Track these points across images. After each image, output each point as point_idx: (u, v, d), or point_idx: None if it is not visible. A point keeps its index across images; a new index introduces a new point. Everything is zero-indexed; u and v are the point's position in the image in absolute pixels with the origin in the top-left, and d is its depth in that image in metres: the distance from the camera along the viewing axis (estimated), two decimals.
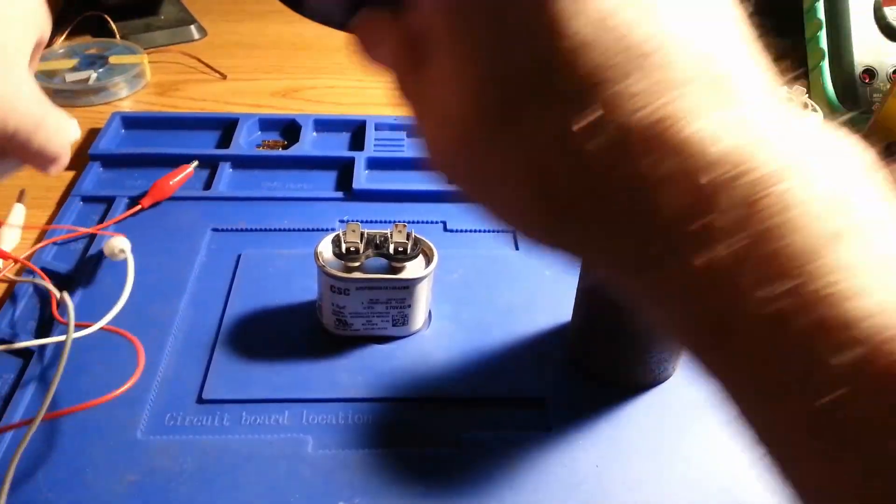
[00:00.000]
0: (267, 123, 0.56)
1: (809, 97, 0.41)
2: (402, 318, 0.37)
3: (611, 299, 0.34)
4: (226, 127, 0.55)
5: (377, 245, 0.36)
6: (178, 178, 0.48)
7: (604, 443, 0.34)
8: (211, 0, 0.77)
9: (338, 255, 0.36)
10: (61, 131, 0.28)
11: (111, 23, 0.67)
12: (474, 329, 0.39)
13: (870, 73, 0.56)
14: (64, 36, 0.66)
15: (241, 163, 0.51)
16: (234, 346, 0.37)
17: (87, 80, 0.59)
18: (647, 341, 0.34)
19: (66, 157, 0.28)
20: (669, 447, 0.33)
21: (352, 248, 0.35)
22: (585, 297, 0.36)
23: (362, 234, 0.36)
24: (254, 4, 0.78)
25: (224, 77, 0.64)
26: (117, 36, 0.67)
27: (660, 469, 0.33)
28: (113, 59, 0.62)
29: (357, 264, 0.36)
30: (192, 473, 0.31)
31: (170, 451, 0.32)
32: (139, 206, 0.46)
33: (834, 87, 0.56)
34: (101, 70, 0.61)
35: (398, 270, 0.36)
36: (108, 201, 0.47)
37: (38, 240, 0.44)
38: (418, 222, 0.46)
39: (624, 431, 0.34)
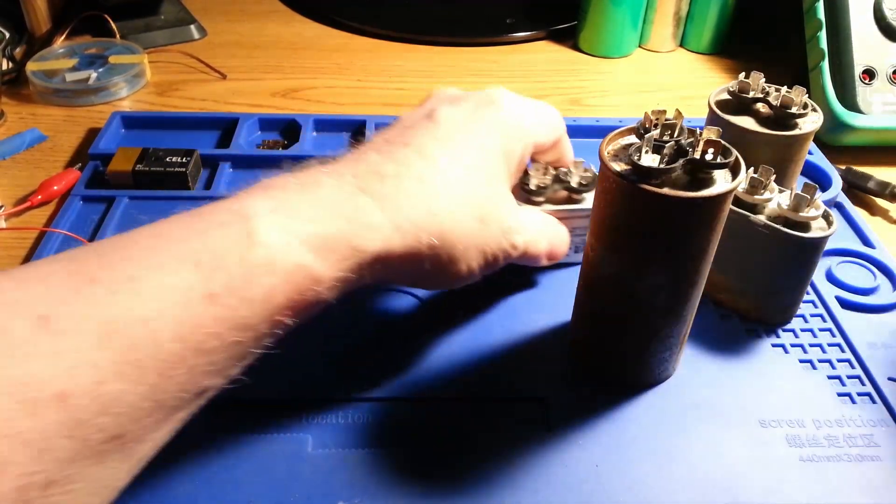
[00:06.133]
0: (267, 123, 0.56)
1: (809, 97, 0.41)
2: (583, 245, 0.40)
3: (611, 299, 0.34)
4: (226, 127, 0.55)
5: (560, 180, 0.40)
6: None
7: (604, 443, 0.34)
8: (211, 0, 0.77)
9: (526, 190, 0.39)
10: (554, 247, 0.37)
11: (111, 22, 0.67)
12: (474, 329, 0.39)
13: (870, 73, 0.56)
14: (64, 36, 0.66)
15: (241, 162, 0.51)
16: None
17: (87, 79, 0.59)
18: (647, 341, 0.34)
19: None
20: (669, 447, 0.33)
21: (541, 185, 0.40)
22: (585, 297, 0.36)
23: (546, 172, 0.40)
24: (254, 4, 0.78)
25: (224, 77, 0.64)
26: (117, 36, 0.67)
27: (660, 469, 0.33)
28: (113, 59, 0.62)
29: (542, 199, 0.40)
30: (192, 473, 0.31)
31: (169, 450, 0.32)
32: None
33: (834, 87, 0.56)
34: (100, 70, 0.61)
35: (579, 201, 0.40)
36: (109, 201, 0.47)
37: (38, 241, 0.44)
38: None
39: (624, 431, 0.34)
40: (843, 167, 0.52)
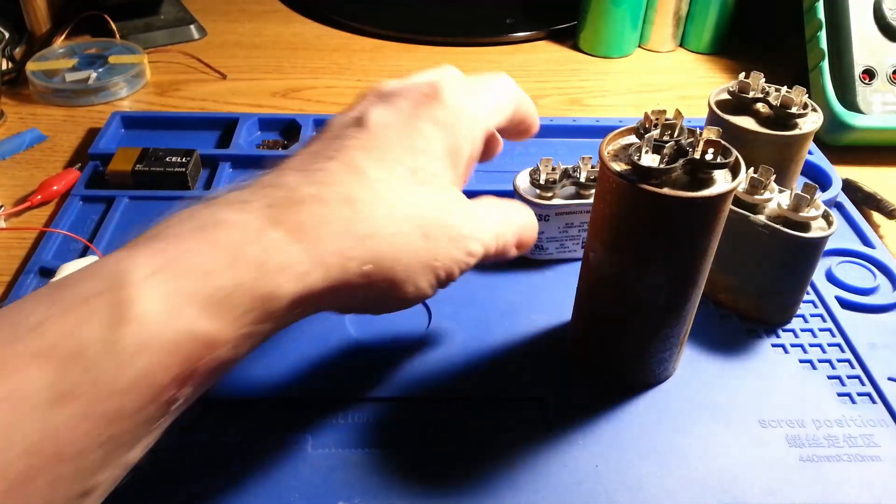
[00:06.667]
0: (267, 123, 0.56)
1: (809, 97, 0.41)
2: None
3: (611, 299, 0.34)
4: (226, 127, 0.55)
5: (569, 175, 0.41)
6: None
7: (604, 443, 0.34)
8: (211, 0, 0.77)
9: (536, 185, 0.41)
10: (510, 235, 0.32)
11: (111, 22, 0.67)
12: (474, 329, 0.39)
13: (870, 73, 0.56)
14: (64, 36, 0.66)
15: (240, 162, 0.51)
16: None
17: (87, 79, 0.59)
18: (647, 341, 0.34)
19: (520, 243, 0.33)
20: (669, 447, 0.33)
21: (550, 180, 0.41)
22: (585, 297, 0.36)
23: (554, 168, 0.41)
24: (253, 4, 0.78)
25: (224, 77, 0.64)
26: (117, 36, 0.67)
27: (660, 469, 0.33)
28: (113, 59, 0.62)
29: (551, 194, 0.41)
30: (192, 473, 0.31)
31: (169, 450, 0.32)
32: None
33: (834, 87, 0.56)
34: (100, 70, 0.61)
35: (587, 197, 0.41)
36: (109, 201, 0.47)
37: (38, 241, 0.44)
38: None
39: (624, 431, 0.34)
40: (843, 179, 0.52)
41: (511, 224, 0.32)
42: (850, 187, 0.51)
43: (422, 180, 0.28)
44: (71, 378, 0.20)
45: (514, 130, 0.35)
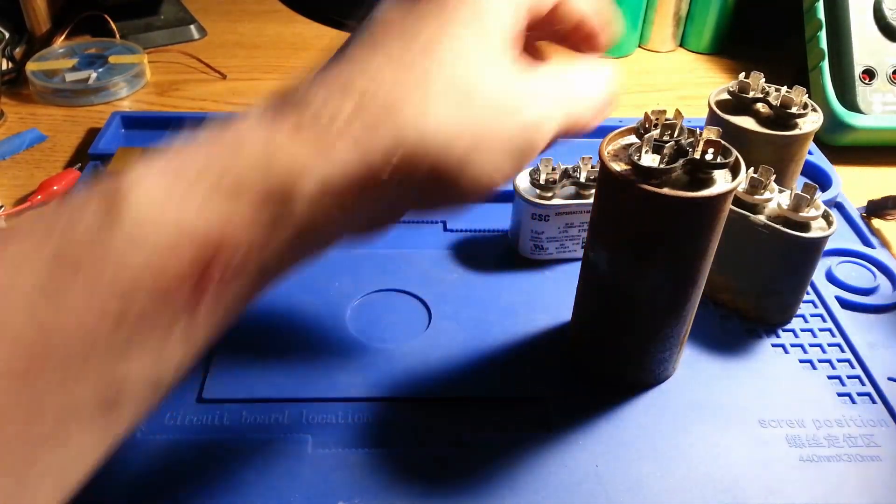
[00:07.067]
0: None
1: (809, 97, 0.41)
2: None
3: (611, 299, 0.34)
4: None
5: (569, 175, 0.42)
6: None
7: (604, 443, 0.34)
8: (211, 0, 0.77)
9: (536, 185, 0.41)
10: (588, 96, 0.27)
11: (111, 22, 0.67)
12: (474, 329, 0.39)
13: (870, 73, 0.56)
14: (64, 35, 0.66)
15: None
16: (234, 345, 0.37)
17: (87, 79, 0.59)
18: (647, 341, 0.34)
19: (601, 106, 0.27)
20: (669, 447, 0.33)
21: (550, 180, 0.41)
22: (586, 297, 0.36)
23: (554, 168, 0.41)
24: (254, 4, 0.78)
25: (224, 77, 0.64)
26: (117, 36, 0.67)
27: (660, 469, 0.33)
28: (113, 59, 0.62)
29: (551, 194, 0.41)
30: (192, 473, 0.31)
31: (170, 450, 0.32)
32: None
33: (834, 87, 0.56)
34: (100, 70, 0.61)
35: (587, 197, 0.41)
36: None
37: None
38: (417, 221, 0.46)
39: (624, 431, 0.34)
40: (866, 204, 0.49)
41: (598, 77, 0.27)
42: (880, 204, 0.48)
43: (448, 50, 0.23)
44: (65, 277, 0.19)
45: (576, 36, 0.29)
